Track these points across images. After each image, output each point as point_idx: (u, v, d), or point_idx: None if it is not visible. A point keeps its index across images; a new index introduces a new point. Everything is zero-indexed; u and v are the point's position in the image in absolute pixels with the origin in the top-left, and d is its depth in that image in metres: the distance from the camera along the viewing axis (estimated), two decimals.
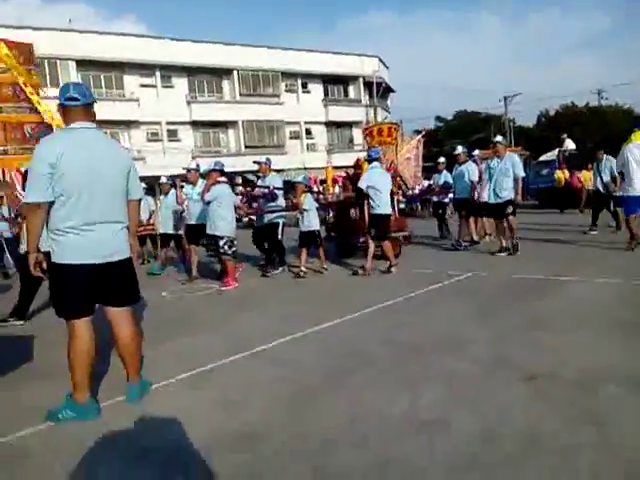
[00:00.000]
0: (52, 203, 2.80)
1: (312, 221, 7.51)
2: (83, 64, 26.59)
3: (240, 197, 8.71)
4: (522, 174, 8.05)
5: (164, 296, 6.59)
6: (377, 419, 2.62)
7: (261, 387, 3.20)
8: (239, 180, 15.34)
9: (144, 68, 28.44)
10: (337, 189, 16.24)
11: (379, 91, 36.79)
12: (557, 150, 19.20)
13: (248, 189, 9.65)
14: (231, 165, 29.35)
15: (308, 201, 7.53)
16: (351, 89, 37.29)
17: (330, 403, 2.87)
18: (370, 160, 7.50)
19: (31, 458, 2.50)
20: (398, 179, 9.14)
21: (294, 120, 33.54)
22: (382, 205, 7.12)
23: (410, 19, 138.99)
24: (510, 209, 7.81)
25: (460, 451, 2.24)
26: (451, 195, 10.53)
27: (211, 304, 6.12)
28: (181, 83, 30.03)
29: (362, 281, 6.79)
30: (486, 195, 8.37)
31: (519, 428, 2.40)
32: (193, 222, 7.83)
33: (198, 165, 8.63)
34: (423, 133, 11.51)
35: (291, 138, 33.87)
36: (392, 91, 41.78)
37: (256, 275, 7.74)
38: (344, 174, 12.18)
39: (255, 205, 8.66)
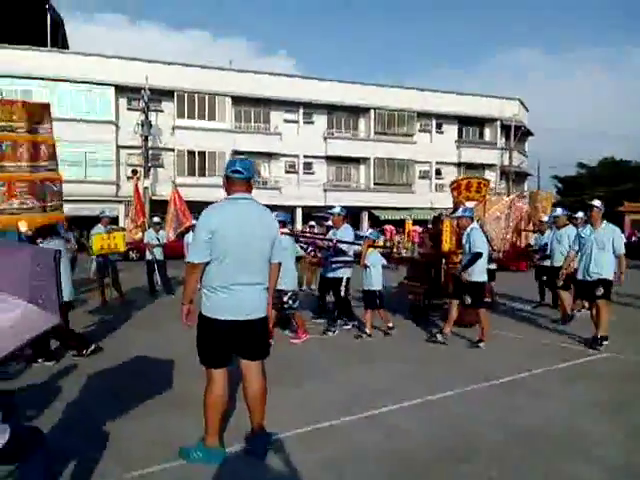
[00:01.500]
0: (208, 263, 3.23)
1: (373, 280, 7.02)
2: (237, 100, 29.33)
3: (305, 246, 8.57)
4: (622, 251, 6.65)
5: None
6: None
7: (373, 457, 3.36)
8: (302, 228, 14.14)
9: (289, 105, 30.58)
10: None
11: (517, 134, 35.69)
12: None
13: (311, 237, 9.15)
14: (359, 200, 30.59)
15: (373, 257, 7.05)
16: (487, 131, 36.58)
17: None
18: (460, 217, 6.92)
19: None
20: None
21: (425, 160, 33.70)
22: (483, 270, 6.65)
23: (557, 57, 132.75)
24: (601, 291, 6.57)
25: None
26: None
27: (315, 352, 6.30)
28: (321, 120, 31.74)
29: (477, 349, 6.52)
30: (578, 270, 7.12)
31: None
32: None
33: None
34: (519, 193, 10.12)
35: (420, 177, 34.00)
36: (531, 134, 40.21)
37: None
38: (419, 229, 11.19)
39: (320, 254, 8.36)
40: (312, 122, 31.45)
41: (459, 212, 7.06)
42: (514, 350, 6.46)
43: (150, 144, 26.42)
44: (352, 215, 27.83)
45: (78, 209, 24.67)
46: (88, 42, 55.71)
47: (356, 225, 31.91)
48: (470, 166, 35.57)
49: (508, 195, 34.53)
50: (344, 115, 32.54)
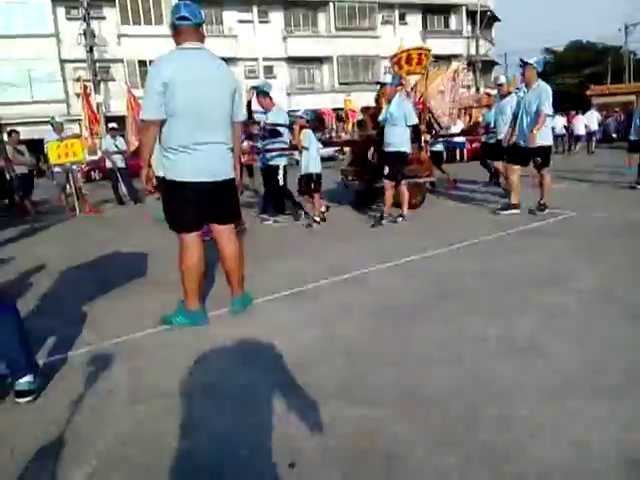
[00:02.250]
0: (164, 122, 2.96)
1: (310, 162, 6.62)
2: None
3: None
4: (545, 109, 6.01)
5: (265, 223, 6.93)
6: (471, 341, 2.70)
7: (356, 308, 3.36)
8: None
9: (242, 3, 28.47)
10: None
11: (483, 21, 34.32)
12: None
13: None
14: (325, 103, 29.56)
15: (308, 138, 6.57)
16: (453, 19, 35.04)
17: (424, 325, 2.98)
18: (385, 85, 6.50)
19: (146, 353, 2.85)
20: (428, 116, 7.78)
21: (390, 54, 32.33)
22: (407, 140, 6.30)
23: None
24: (539, 160, 6.25)
25: (557, 376, 2.27)
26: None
27: (302, 234, 6.29)
28: (278, 17, 29.81)
29: (449, 219, 6.62)
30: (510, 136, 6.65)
31: (623, 362, 2.37)
32: None
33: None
34: (462, 63, 9.10)
35: (387, 73, 32.78)
36: (498, 20, 38.77)
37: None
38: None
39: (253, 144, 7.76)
40: (268, 21, 29.55)
41: (387, 78, 6.64)
42: (482, 219, 6.44)
43: (96, 56, 24.59)
44: (318, 117, 26.97)
45: (29, 132, 23.30)
46: None
47: (323, 126, 31.13)
48: (437, 57, 34.31)
49: (476, 86, 34.06)
50: (302, 11, 30.59)
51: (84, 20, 23.65)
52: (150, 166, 3.13)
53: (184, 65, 2.97)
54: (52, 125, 9.83)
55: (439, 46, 33.68)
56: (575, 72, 44.87)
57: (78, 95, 25.38)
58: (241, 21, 28.87)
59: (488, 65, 38.28)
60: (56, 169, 9.68)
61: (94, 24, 24.66)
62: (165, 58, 3.02)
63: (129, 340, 3.07)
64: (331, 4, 30.37)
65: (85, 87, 12.16)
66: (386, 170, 6.31)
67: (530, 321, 2.95)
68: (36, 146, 19.60)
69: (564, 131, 18.27)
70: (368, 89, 31.11)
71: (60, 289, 4.38)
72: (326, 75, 31.72)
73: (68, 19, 25.28)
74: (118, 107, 25.24)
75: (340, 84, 31.09)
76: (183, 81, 2.92)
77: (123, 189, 10.90)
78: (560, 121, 18.27)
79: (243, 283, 3.45)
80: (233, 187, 3.28)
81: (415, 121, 6.35)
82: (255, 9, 28.97)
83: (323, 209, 6.88)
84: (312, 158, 6.63)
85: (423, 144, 7.42)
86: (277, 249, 5.42)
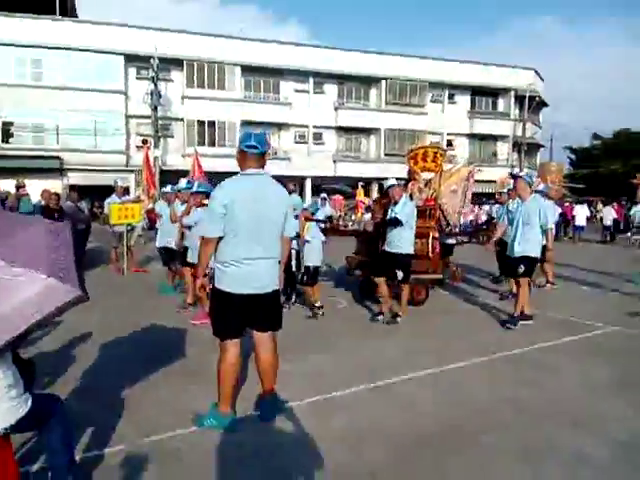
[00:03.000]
0: (221, 237, 3.27)
1: (311, 256, 6.67)
2: (247, 69, 28.95)
3: None
4: (549, 225, 6.37)
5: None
6: None
7: (387, 427, 3.47)
8: None
9: (299, 74, 30.13)
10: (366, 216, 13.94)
11: (531, 105, 35.03)
12: None
13: None
14: (370, 172, 30.40)
15: (312, 231, 6.67)
16: (501, 102, 35.90)
17: (450, 463, 3.05)
18: (392, 187, 6.46)
19: (177, 458, 3.03)
20: (438, 212, 7.87)
21: (436, 131, 33.27)
22: (411, 242, 6.47)
23: (574, 26, 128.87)
24: (522, 268, 6.25)
25: None
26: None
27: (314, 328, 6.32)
28: (332, 89, 31.30)
29: (485, 320, 6.64)
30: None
31: None
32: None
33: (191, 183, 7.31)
34: (475, 165, 9.08)
35: (389, 179, 33.53)
36: (545, 105, 39.44)
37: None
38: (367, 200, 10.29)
39: None
40: (323, 92, 31.03)
41: (390, 181, 6.60)
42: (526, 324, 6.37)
43: (160, 114, 26.27)
44: (363, 186, 27.69)
45: (89, 178, 24.88)
46: (96, 9, 54.79)
47: (367, 196, 31.80)
48: (482, 137, 35.12)
49: (520, 168, 34.35)
50: (355, 85, 32.05)
51: (152, 81, 25.48)
52: (205, 276, 3.46)
53: (246, 189, 3.31)
54: (114, 187, 10.53)
55: (485, 126, 34.58)
56: (622, 159, 44.69)
57: (138, 148, 27.17)
58: (297, 90, 30.44)
59: (534, 148, 38.71)
60: (115, 228, 10.30)
61: (161, 85, 26.50)
62: (230, 183, 3.37)
63: (162, 441, 3.25)
64: (383, 81, 31.71)
65: (147, 154, 13.06)
66: (400, 275, 6.38)
67: (556, 470, 2.99)
68: (92, 191, 20.94)
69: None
70: None
71: (99, 367, 4.62)
72: (373, 145, 32.73)
73: (138, 78, 27.23)
74: (174, 161, 26.74)
75: (386, 155, 31.99)
76: (243, 204, 3.24)
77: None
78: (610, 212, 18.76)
79: (274, 389, 3.63)
80: (277, 298, 3.54)
81: (412, 224, 6.40)
82: (311, 80, 30.54)
83: (318, 304, 6.75)
84: (314, 250, 6.69)
85: (431, 240, 7.42)
86: (292, 343, 5.12)
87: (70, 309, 2.14)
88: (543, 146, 41.19)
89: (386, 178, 7.15)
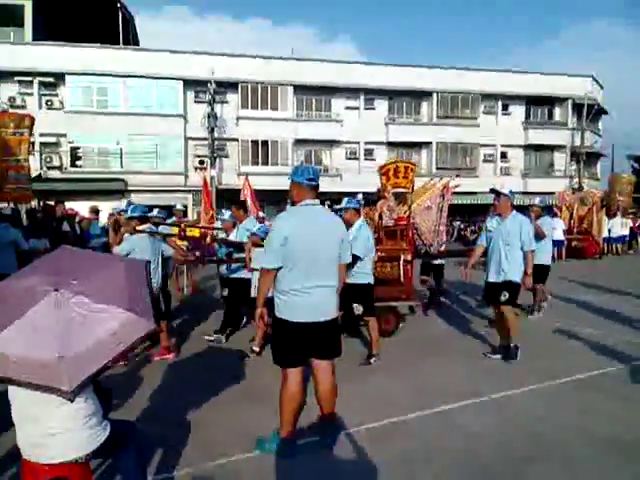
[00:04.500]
0: (280, 267, 3.45)
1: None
2: (299, 88, 29.65)
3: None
4: (531, 247, 5.63)
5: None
6: None
7: (441, 456, 3.56)
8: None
9: (350, 91, 30.52)
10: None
11: (590, 113, 33.90)
12: None
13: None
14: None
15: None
16: (557, 111, 34.89)
17: None
18: (345, 209, 5.72)
19: None
20: (411, 232, 7.24)
21: (490, 143, 32.74)
22: (368, 272, 5.70)
23: (632, 28, 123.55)
24: (505, 295, 5.64)
25: None
26: None
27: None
28: (382, 105, 31.48)
29: (548, 343, 6.44)
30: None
31: None
32: None
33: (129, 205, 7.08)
34: (452, 180, 8.23)
35: (484, 161, 33.09)
36: (605, 113, 37.99)
37: None
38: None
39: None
40: (373, 108, 31.25)
41: (343, 203, 5.86)
42: (581, 346, 6.31)
43: (215, 135, 27.29)
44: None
45: (151, 199, 26.07)
46: (156, 36, 57.63)
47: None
48: (538, 148, 34.23)
49: (579, 179, 33.18)
50: (406, 100, 32.09)
51: (209, 104, 26.53)
52: (265, 306, 3.58)
53: (303, 221, 3.50)
54: (173, 212, 11.03)
55: (541, 137, 33.69)
56: None
57: (196, 169, 28.26)
58: (348, 107, 30.82)
59: (593, 157, 37.33)
60: None
61: (217, 107, 27.55)
62: (288, 216, 3.60)
63: (227, 464, 3.47)
64: (434, 94, 31.60)
65: (205, 181, 13.71)
66: (359, 310, 5.63)
67: None
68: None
69: None
70: (464, 175, 31.54)
71: (164, 390, 4.90)
72: (424, 159, 32.57)
73: (196, 102, 28.43)
74: (229, 180, 27.62)
75: (437, 169, 31.73)
76: (301, 235, 3.42)
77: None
78: None
79: (334, 415, 3.76)
80: (336, 325, 3.68)
81: (357, 253, 5.24)
82: (362, 97, 30.86)
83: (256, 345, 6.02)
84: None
85: (402, 263, 6.83)
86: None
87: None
88: (604, 155, 39.62)
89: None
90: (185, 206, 24.85)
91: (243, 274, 6.38)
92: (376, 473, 3.31)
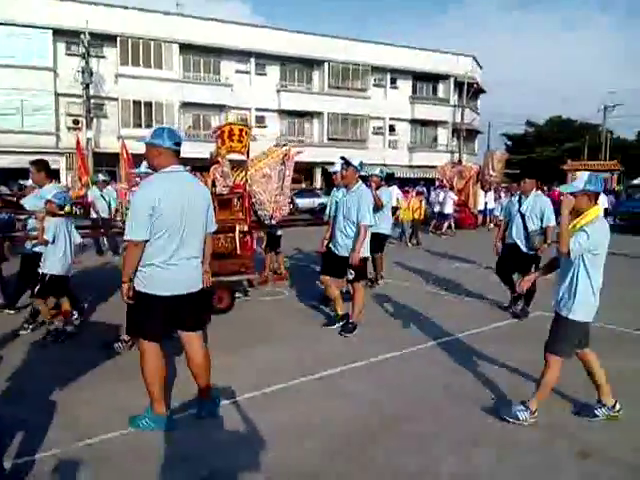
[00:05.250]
0: (148, 239, 3.12)
1: (47, 262, 5.08)
2: (185, 48, 27.91)
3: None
4: (367, 221, 5.36)
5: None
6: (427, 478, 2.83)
7: (323, 420, 3.48)
8: None
9: (240, 55, 29.40)
10: None
11: (469, 92, 35.89)
12: None
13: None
14: (312, 155, 30.21)
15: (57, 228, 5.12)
16: (441, 88, 36.59)
17: (384, 452, 3.09)
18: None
19: (112, 462, 2.91)
20: (246, 201, 6.68)
21: (379, 115, 33.50)
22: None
23: (511, 15, 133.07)
24: (352, 274, 5.42)
25: None
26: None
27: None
28: (274, 71, 30.80)
29: (431, 306, 6.66)
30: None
31: None
32: None
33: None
34: (291, 147, 7.65)
35: (374, 134, 33.87)
36: (483, 92, 40.56)
37: None
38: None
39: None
40: (265, 74, 30.49)
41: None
42: (461, 309, 6.65)
43: (92, 92, 24.95)
44: (306, 170, 27.48)
45: (17, 160, 23.30)
46: None
47: (310, 179, 31.69)
48: (424, 123, 35.71)
49: (459, 154, 35.26)
50: (298, 67, 31.68)
51: (83, 58, 24.10)
52: (131, 280, 3.20)
53: (171, 189, 3.17)
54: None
55: (426, 112, 35.17)
56: (554, 145, 46.86)
57: (69, 129, 25.72)
58: (238, 71, 29.70)
59: (472, 134, 39.80)
60: None
61: (93, 61, 25.13)
62: (153, 183, 3.23)
63: (97, 444, 3.11)
64: (326, 64, 31.51)
65: (78, 140, 12.39)
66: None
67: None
68: (21, 174, 19.64)
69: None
70: (354, 146, 32.09)
71: (27, 370, 4.36)
72: (316, 130, 32.57)
73: (68, 54, 25.73)
74: (107, 144, 25.50)
75: (329, 139, 31.93)
76: (169, 204, 3.12)
77: (104, 239, 10.95)
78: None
79: (210, 386, 3.53)
80: (201, 297, 3.44)
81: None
82: (253, 61, 29.88)
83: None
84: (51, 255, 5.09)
85: (238, 235, 6.39)
86: (227, 335, 5.46)
87: None
88: (481, 132, 42.44)
89: (331, 163, 6.89)
90: (56, 169, 22.62)
91: (37, 249, 5.28)
92: (257, 444, 3.12)
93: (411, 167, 33.93)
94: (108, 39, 26.18)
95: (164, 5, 31.02)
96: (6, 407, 3.54)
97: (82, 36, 23.89)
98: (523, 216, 6.16)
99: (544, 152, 46.09)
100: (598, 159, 36.92)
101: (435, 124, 36.27)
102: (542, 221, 6.09)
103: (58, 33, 25.17)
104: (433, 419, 3.53)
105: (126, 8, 26.59)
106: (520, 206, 6.23)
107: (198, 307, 3.42)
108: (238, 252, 6.38)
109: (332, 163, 6.78)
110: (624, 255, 10.50)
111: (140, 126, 26.48)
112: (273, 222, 7.28)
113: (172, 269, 3.18)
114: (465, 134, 36.67)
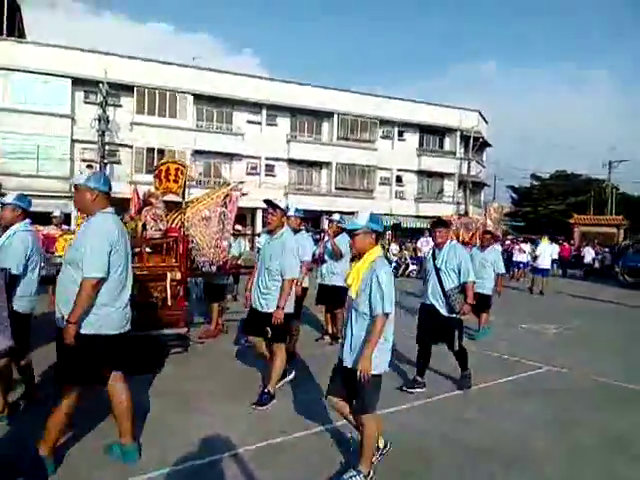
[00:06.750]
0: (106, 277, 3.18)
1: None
2: (199, 98, 28.85)
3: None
4: (289, 275, 4.68)
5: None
6: None
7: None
8: None
9: (252, 106, 30.30)
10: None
11: (475, 145, 36.58)
12: None
13: None
14: (320, 204, 30.62)
15: None
16: (447, 141, 37.36)
17: None
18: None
19: None
20: (181, 246, 6.10)
21: (386, 166, 34.08)
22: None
23: (517, 71, 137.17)
24: (268, 332, 4.75)
25: None
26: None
27: None
28: (284, 122, 31.62)
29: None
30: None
31: None
32: None
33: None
34: (236, 185, 6.86)
35: (381, 184, 34.36)
36: (489, 146, 41.34)
37: None
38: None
39: None
40: (275, 124, 31.29)
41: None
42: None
43: (107, 139, 25.66)
44: (313, 219, 27.71)
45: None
46: (46, 31, 53.64)
47: (317, 228, 31.92)
48: (430, 174, 36.24)
49: (465, 205, 35.53)
50: (308, 119, 32.52)
51: (100, 106, 24.92)
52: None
53: (119, 228, 3.35)
54: (51, 218, 9.87)
55: (433, 164, 35.76)
56: (559, 199, 47.30)
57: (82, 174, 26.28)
58: (250, 122, 30.54)
59: (478, 186, 40.30)
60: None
61: (109, 110, 25.95)
62: (110, 221, 3.31)
63: None
64: (335, 115, 32.35)
65: None
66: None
67: None
68: (33, 218, 19.91)
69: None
70: (362, 196, 32.52)
71: None
72: (324, 179, 33.10)
73: (86, 102, 26.58)
74: (120, 189, 25.86)
75: (337, 189, 32.41)
76: (121, 243, 3.28)
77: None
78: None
79: (133, 431, 3.48)
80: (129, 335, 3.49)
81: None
82: (264, 112, 30.75)
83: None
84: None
85: (170, 286, 5.80)
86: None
87: None
88: (487, 184, 42.97)
89: (340, 212, 7.06)
90: (68, 214, 22.98)
91: None
92: None
93: (417, 217, 34.19)
94: (125, 88, 27.13)
95: (181, 58, 32.24)
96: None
97: (100, 85, 24.78)
98: (438, 271, 5.24)
99: (549, 205, 46.51)
100: (604, 214, 37.22)
101: (441, 176, 36.80)
102: (460, 276, 5.24)
103: (77, 82, 26.11)
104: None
105: (144, 60, 27.69)
106: (434, 260, 5.33)
107: (129, 346, 3.48)
108: (169, 302, 5.78)
109: (340, 212, 6.94)
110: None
111: (152, 172, 27.01)
112: (213, 269, 6.52)
113: (120, 308, 3.30)
114: (471, 186, 37.13)
